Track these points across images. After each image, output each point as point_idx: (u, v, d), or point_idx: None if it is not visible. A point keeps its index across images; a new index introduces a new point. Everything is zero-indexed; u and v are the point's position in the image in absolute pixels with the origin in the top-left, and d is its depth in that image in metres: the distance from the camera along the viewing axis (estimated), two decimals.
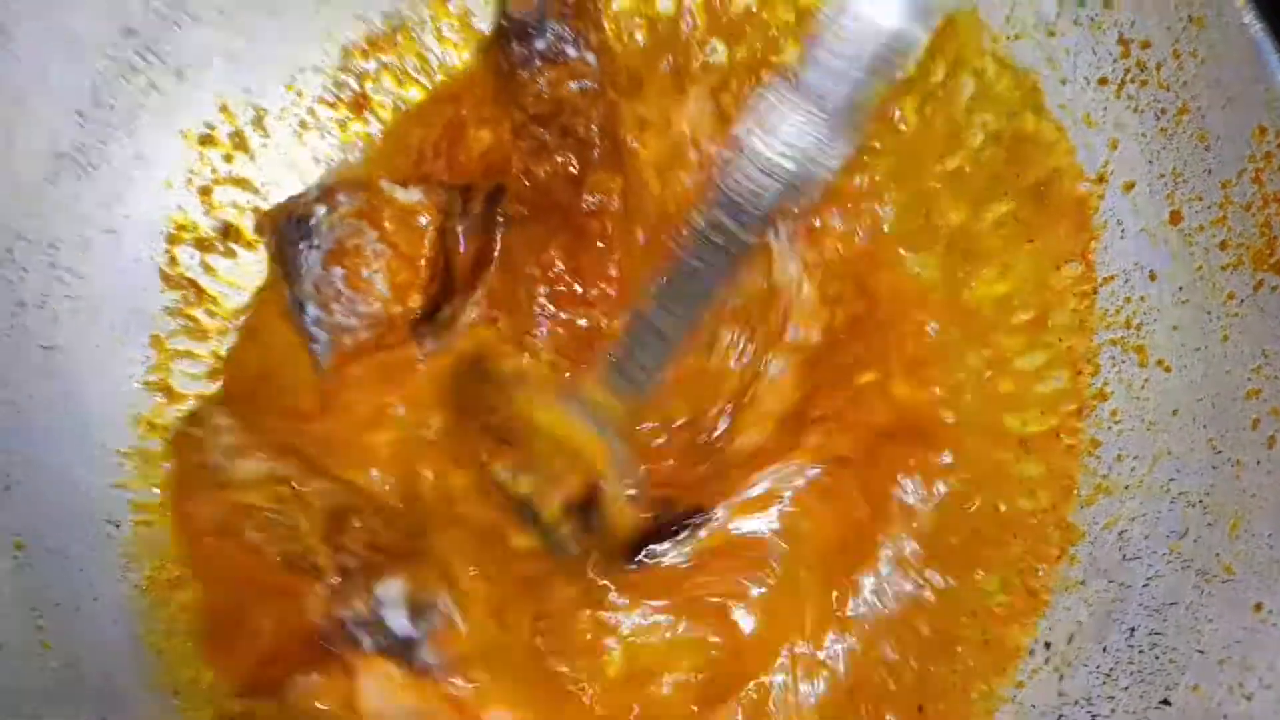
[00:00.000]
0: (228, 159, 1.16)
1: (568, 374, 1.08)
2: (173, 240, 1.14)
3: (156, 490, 1.11)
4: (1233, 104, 0.93)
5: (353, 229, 1.07)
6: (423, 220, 1.08)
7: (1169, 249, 1.01)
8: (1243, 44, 0.90)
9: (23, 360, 1.04)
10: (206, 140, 1.15)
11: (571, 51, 1.07)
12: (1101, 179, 1.05)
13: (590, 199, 1.08)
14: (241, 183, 1.17)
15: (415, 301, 1.08)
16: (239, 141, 1.17)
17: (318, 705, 0.98)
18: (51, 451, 1.05)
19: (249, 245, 1.17)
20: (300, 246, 1.08)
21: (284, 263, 1.09)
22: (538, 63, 1.08)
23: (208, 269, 1.16)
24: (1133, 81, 1.01)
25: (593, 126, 1.09)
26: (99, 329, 1.10)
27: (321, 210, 1.08)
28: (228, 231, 1.16)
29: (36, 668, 0.97)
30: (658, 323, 0.99)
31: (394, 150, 1.20)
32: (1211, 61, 0.93)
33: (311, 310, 1.08)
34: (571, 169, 1.08)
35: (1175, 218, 1.00)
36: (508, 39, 1.08)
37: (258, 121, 1.17)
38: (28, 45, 1.01)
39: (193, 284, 1.15)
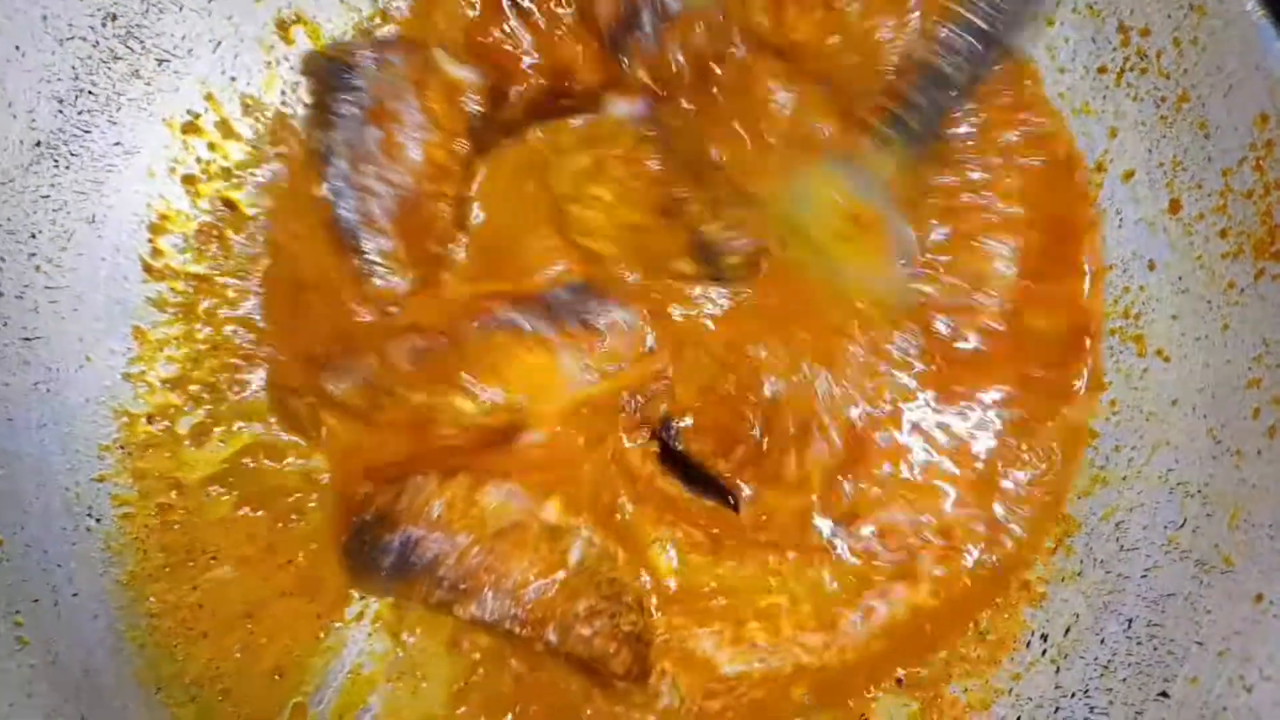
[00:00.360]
0: (212, 147, 1.14)
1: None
2: (156, 230, 1.12)
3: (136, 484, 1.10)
4: (1234, 92, 0.93)
5: (396, 91, 1.05)
6: (469, 101, 1.07)
7: (1168, 238, 1.01)
8: (1244, 31, 0.91)
9: (1, 349, 1.02)
10: (190, 128, 1.13)
11: (674, 4, 1.04)
12: (1100, 168, 1.06)
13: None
14: (226, 172, 1.15)
15: (449, 186, 1.07)
16: (224, 129, 1.15)
17: (433, 505, 1.02)
18: (30, 443, 1.03)
19: (238, 228, 1.16)
20: (341, 96, 1.06)
21: (321, 108, 1.08)
22: (652, 42, 1.04)
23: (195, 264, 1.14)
24: (1132, 69, 1.01)
25: (739, 47, 1.04)
26: (80, 320, 1.08)
27: (370, 64, 1.06)
28: (232, 205, 1.15)
29: (14, 665, 0.95)
30: (944, 68, 1.01)
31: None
32: (1212, 49, 0.94)
33: (338, 164, 1.06)
34: None
35: (1175, 206, 1.00)
36: (614, 45, 1.05)
37: (243, 109, 1.15)
38: (5, 29, 0.99)
39: (175, 273, 1.13)
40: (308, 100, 1.11)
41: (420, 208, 1.08)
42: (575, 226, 1.05)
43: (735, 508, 1.05)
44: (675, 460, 1.06)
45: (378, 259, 1.08)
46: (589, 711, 1.06)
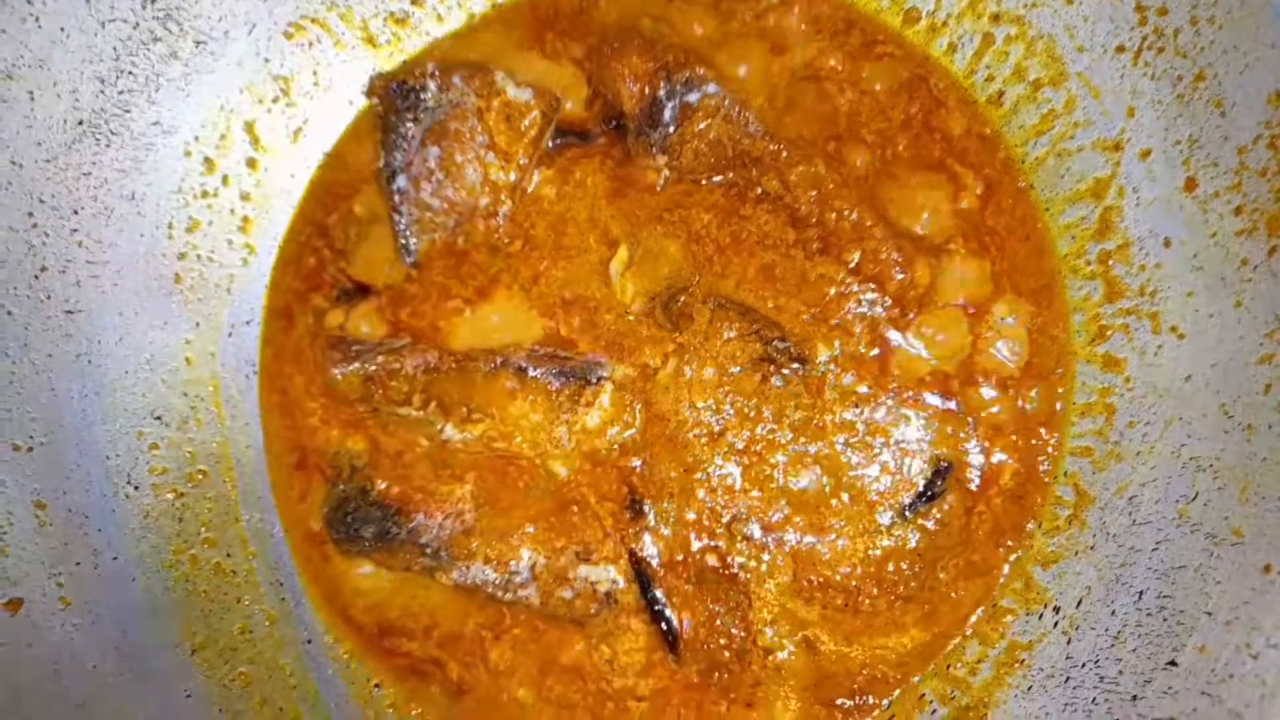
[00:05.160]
0: (247, 128, 1.17)
1: None
2: (193, 207, 1.15)
3: (173, 453, 1.13)
4: (1250, 70, 0.93)
5: (459, 112, 1.10)
6: (528, 121, 1.11)
7: (1183, 216, 1.01)
8: (1260, 9, 0.91)
9: (44, 323, 1.05)
10: (226, 109, 1.16)
11: (694, 97, 1.08)
12: (1117, 146, 1.06)
13: (809, 194, 1.09)
14: (262, 152, 1.18)
15: (504, 204, 1.11)
16: (259, 109, 1.17)
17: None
18: (72, 413, 1.06)
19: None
20: (405, 116, 1.10)
21: (384, 129, 1.12)
22: (673, 130, 1.09)
23: (228, 241, 1.18)
24: (1150, 48, 1.01)
25: (757, 126, 1.09)
26: (120, 294, 1.11)
27: (433, 87, 1.10)
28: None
29: (57, 624, 0.99)
30: None
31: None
32: (1229, 27, 0.94)
33: (400, 181, 1.11)
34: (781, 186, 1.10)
35: (1190, 184, 1.00)
36: (643, 138, 1.09)
37: (279, 91, 1.18)
38: (50, 10, 1.01)
39: (212, 250, 1.16)
40: (375, 117, 1.15)
41: (474, 224, 1.13)
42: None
43: (674, 653, 1.08)
44: (646, 590, 1.09)
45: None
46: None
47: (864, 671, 1.08)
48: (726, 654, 1.07)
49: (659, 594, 1.07)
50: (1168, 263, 1.03)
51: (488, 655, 1.10)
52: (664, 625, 1.08)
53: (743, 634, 1.07)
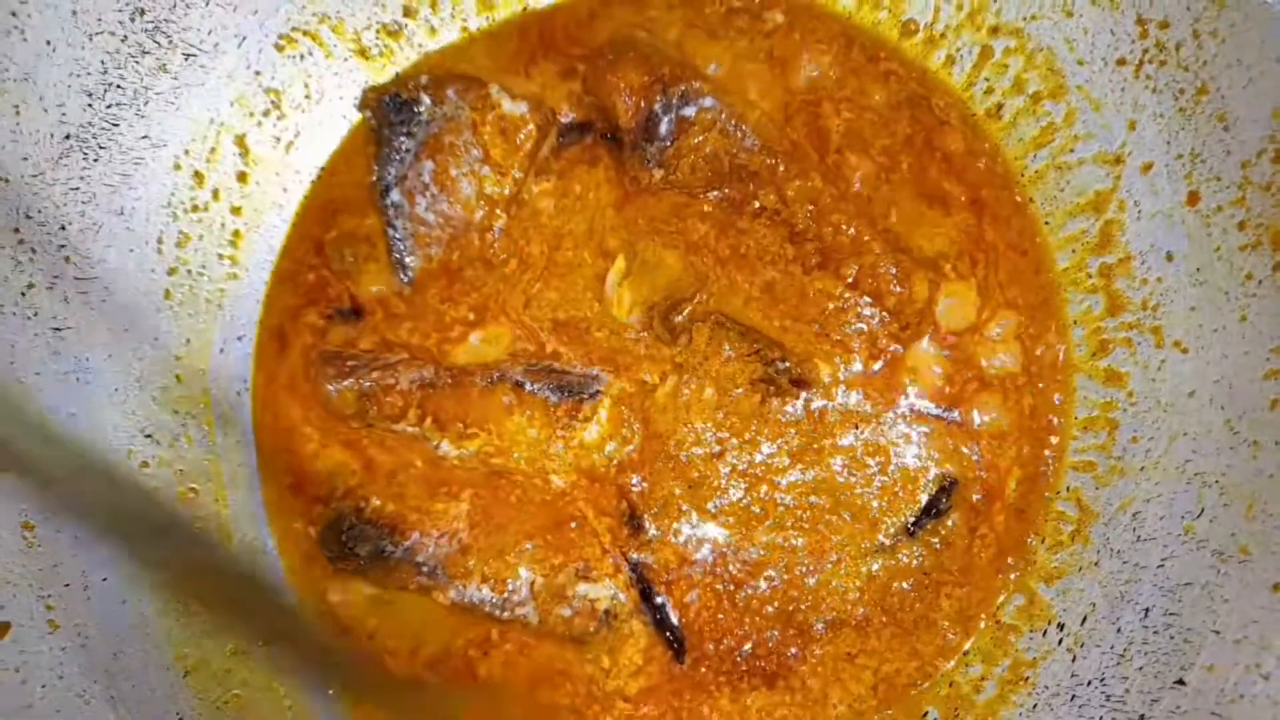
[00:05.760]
0: (238, 141, 1.16)
1: None
2: (183, 222, 1.14)
3: (164, 471, 1.11)
4: (1254, 84, 0.93)
5: (453, 125, 1.09)
6: (523, 135, 1.11)
7: (1186, 230, 1.01)
8: (1265, 23, 0.91)
9: (31, 340, 1.03)
10: (215, 122, 1.14)
11: (690, 111, 1.08)
12: (1118, 160, 1.06)
13: (806, 208, 1.09)
14: (253, 165, 1.17)
15: (499, 219, 1.11)
16: (250, 122, 1.16)
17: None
18: (60, 431, 1.04)
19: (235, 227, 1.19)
20: (398, 130, 1.10)
21: (378, 143, 1.12)
22: (669, 144, 1.08)
23: (219, 256, 1.16)
24: (1151, 62, 1.01)
25: (754, 140, 1.09)
26: (109, 310, 1.09)
27: (427, 100, 1.10)
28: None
29: (45, 648, 0.97)
30: None
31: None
32: (1232, 41, 0.94)
33: (394, 195, 1.11)
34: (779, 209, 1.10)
35: (1193, 199, 1.00)
36: (639, 151, 1.09)
37: (270, 104, 1.17)
38: (36, 23, 1.00)
39: (203, 265, 1.15)
40: (369, 130, 1.15)
41: (469, 238, 1.12)
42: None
43: (679, 658, 1.08)
44: (648, 597, 1.09)
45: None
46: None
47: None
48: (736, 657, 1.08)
49: (661, 600, 1.07)
50: (1170, 277, 1.03)
51: (475, 673, 1.09)
52: (669, 633, 1.07)
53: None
